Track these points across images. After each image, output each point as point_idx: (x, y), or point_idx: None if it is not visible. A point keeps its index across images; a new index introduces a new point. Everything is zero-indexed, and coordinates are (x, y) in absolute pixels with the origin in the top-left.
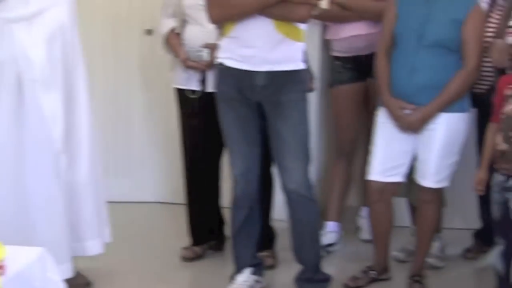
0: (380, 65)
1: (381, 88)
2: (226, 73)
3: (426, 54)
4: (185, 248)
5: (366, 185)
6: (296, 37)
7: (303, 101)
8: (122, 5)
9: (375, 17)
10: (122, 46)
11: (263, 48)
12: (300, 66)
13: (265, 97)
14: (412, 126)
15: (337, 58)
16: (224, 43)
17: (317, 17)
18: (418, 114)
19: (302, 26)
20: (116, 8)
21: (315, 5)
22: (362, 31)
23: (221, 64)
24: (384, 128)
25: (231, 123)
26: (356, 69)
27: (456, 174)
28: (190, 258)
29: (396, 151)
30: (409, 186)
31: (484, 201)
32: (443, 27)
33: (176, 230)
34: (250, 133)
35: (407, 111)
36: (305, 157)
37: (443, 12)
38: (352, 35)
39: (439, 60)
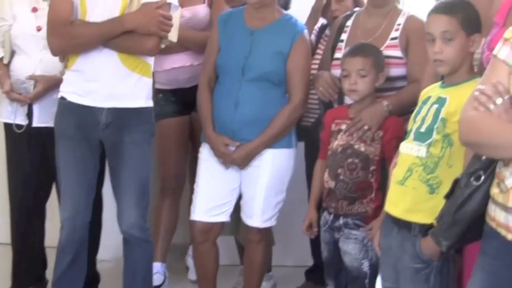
0: (202, 99)
1: (203, 123)
2: (68, 109)
3: (249, 87)
4: None
5: (190, 225)
6: (143, 71)
7: (148, 142)
8: None
9: (198, 48)
10: None
11: (108, 82)
12: (148, 103)
13: (108, 135)
14: (236, 163)
15: (160, 90)
16: (67, 76)
17: None
18: (242, 151)
19: (150, 60)
20: None
21: (163, 37)
22: (185, 63)
23: (62, 99)
24: (207, 165)
25: (68, 163)
26: (179, 102)
27: (287, 209)
28: None
29: (220, 189)
30: (237, 224)
31: (316, 238)
32: (266, 59)
33: None
34: (86, 175)
35: (231, 148)
36: (143, 199)
37: (266, 44)
38: (174, 66)
39: (264, 94)
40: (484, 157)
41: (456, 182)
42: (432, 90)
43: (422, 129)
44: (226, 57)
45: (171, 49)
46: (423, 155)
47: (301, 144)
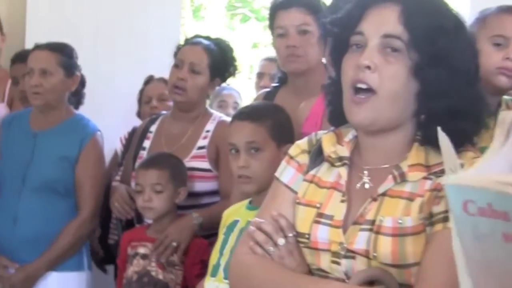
0: None
1: None
2: None
3: (31, 199)
4: None
5: None
6: None
7: None
8: None
9: None
10: None
11: None
12: None
13: None
14: None
15: None
16: None
17: None
18: (21, 274)
19: None
20: None
21: None
22: None
23: None
24: None
25: None
26: None
27: None
28: None
29: None
30: None
31: None
32: (50, 166)
33: None
34: None
35: (10, 270)
36: None
37: (51, 149)
38: None
39: (47, 206)
40: None
41: None
42: (237, 213)
43: None
44: (6, 165)
45: None
46: None
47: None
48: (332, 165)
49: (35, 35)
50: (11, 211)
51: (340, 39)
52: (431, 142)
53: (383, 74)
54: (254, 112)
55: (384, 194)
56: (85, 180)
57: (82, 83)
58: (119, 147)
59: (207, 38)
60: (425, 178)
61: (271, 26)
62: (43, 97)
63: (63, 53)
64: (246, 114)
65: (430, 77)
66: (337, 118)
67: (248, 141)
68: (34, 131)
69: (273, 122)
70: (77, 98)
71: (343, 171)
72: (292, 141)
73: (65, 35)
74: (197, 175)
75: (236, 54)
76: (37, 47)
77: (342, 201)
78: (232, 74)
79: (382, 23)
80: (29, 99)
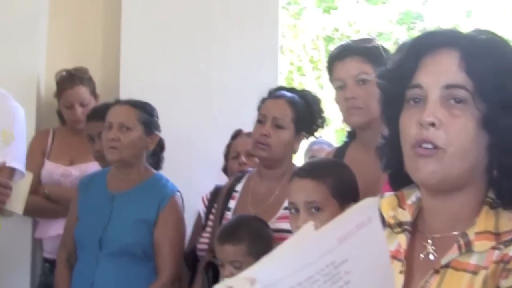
0: (58, 278)
1: None
2: None
3: (108, 263)
4: None
5: None
6: None
7: None
8: None
9: None
10: None
11: None
12: None
13: None
14: None
15: (47, 260)
16: None
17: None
18: None
19: None
20: None
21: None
22: None
23: None
24: None
25: None
26: None
27: None
28: None
29: None
30: None
31: None
32: (127, 229)
33: None
34: None
35: None
36: None
37: (128, 211)
38: (61, 233)
39: (125, 270)
40: None
41: None
42: None
43: None
44: (83, 228)
45: (58, 212)
46: None
47: None
48: (393, 231)
49: (127, 95)
50: (88, 275)
51: (394, 93)
52: (503, 203)
53: (450, 130)
54: (315, 169)
55: (447, 266)
56: (164, 243)
57: (161, 145)
58: (201, 208)
59: (292, 90)
60: (493, 248)
61: (331, 80)
62: (120, 152)
63: (144, 110)
64: (306, 172)
65: (502, 128)
66: (398, 181)
67: (308, 201)
68: (112, 193)
69: (334, 179)
70: (155, 160)
71: (402, 238)
72: (356, 200)
73: (156, 98)
74: (285, 237)
75: (323, 105)
76: (118, 102)
77: (401, 272)
78: (320, 126)
79: (442, 73)
80: (105, 153)
